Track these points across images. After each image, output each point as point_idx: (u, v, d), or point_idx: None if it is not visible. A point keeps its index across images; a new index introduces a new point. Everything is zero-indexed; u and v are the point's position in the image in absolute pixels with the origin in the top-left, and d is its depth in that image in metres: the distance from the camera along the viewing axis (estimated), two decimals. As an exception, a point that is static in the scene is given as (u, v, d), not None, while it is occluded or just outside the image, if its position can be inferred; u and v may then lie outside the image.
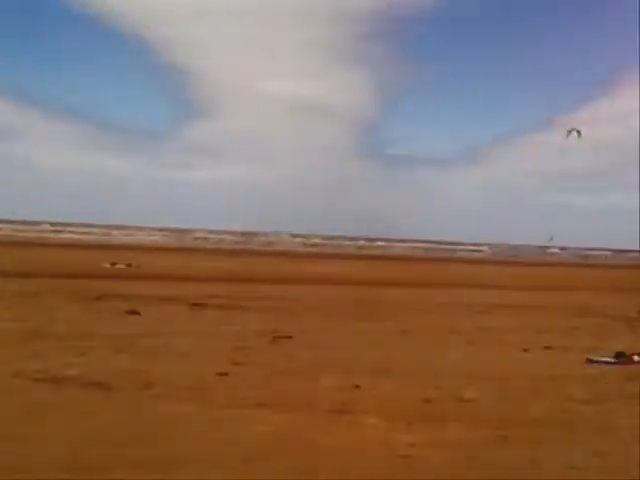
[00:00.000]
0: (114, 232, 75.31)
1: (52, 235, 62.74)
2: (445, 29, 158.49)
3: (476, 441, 5.23)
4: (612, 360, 9.15)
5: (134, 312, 12.36)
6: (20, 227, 68.29)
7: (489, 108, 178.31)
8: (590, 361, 9.14)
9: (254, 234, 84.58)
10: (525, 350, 9.97)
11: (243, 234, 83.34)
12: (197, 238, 76.87)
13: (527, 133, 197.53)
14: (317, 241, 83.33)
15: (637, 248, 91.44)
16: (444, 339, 10.91)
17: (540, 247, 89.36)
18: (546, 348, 10.20)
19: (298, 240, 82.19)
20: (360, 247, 78.43)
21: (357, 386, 7.10)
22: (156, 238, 72.85)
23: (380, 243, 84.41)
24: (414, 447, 5.02)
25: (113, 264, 26.38)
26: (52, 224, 75.41)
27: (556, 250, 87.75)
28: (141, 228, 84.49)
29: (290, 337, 10.35)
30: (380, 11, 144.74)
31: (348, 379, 7.39)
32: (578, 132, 25.58)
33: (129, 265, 26.40)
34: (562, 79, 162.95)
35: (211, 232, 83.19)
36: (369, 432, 5.43)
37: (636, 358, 9.33)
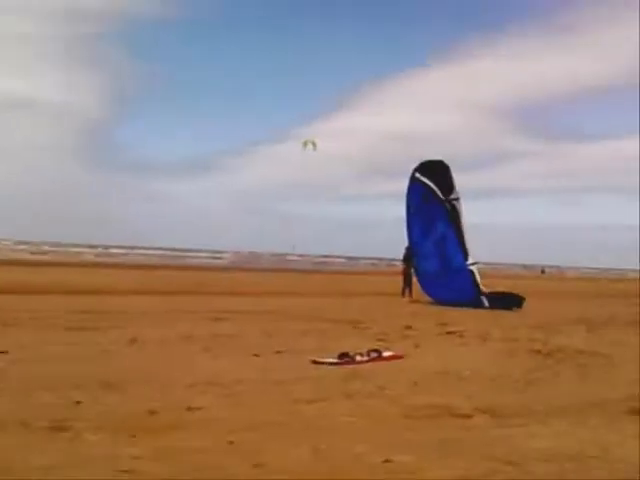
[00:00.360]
0: None
1: None
2: (178, 32, 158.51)
3: (202, 449, 5.13)
4: (335, 361, 9.66)
5: None
6: None
7: (224, 117, 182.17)
8: (315, 362, 9.56)
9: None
10: (256, 355, 10.12)
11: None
12: None
13: (263, 143, 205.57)
14: (46, 248, 78.39)
15: (370, 255, 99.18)
16: (177, 348, 10.70)
17: (279, 255, 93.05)
18: (277, 352, 10.45)
19: (22, 247, 76.58)
20: (97, 255, 75.23)
21: (78, 402, 6.63)
22: None
23: (115, 250, 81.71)
24: (138, 460, 4.78)
25: None
26: None
27: (295, 257, 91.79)
28: None
29: (5, 352, 9.42)
30: (110, 11, 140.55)
31: (69, 394, 6.90)
32: (313, 144, 27.03)
33: None
34: (297, 92, 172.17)
35: None
36: (89, 449, 5.06)
37: (358, 358, 9.94)
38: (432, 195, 24.68)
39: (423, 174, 25.10)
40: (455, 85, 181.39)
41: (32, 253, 68.57)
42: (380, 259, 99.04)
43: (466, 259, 23.86)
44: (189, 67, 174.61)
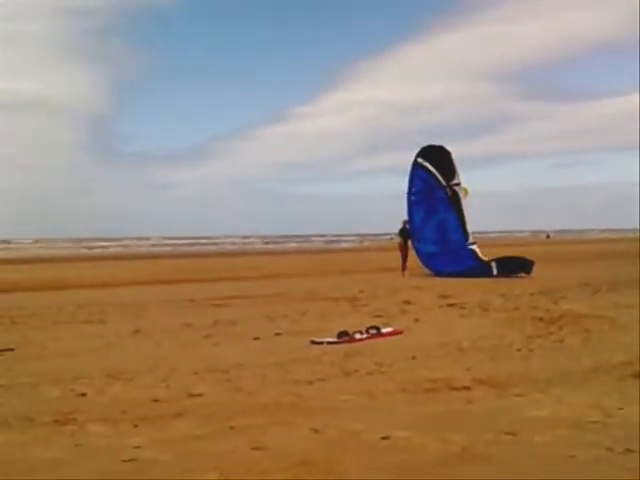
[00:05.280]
0: None
1: None
2: (179, 23, 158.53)
3: (204, 435, 5.22)
4: (334, 340, 9.75)
5: None
6: None
7: (221, 103, 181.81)
8: (314, 343, 9.65)
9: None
10: (256, 339, 10.22)
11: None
12: None
13: (260, 127, 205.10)
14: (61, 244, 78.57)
15: (359, 232, 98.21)
16: (178, 336, 10.80)
17: (278, 237, 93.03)
18: (276, 335, 10.56)
19: (39, 245, 76.85)
20: (103, 247, 75.00)
21: (83, 394, 6.78)
22: None
23: (113, 243, 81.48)
24: (139, 449, 4.89)
25: None
26: None
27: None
28: None
29: (11, 349, 9.61)
30: (112, 6, 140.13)
31: (74, 388, 7.06)
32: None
33: None
34: (290, 74, 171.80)
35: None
36: (92, 440, 5.17)
37: (357, 336, 10.02)
38: (434, 181, 25.03)
39: (425, 159, 25.28)
40: (450, 53, 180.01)
41: (45, 249, 68.70)
42: (368, 235, 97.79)
43: (466, 240, 24.33)
44: (186, 57, 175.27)
